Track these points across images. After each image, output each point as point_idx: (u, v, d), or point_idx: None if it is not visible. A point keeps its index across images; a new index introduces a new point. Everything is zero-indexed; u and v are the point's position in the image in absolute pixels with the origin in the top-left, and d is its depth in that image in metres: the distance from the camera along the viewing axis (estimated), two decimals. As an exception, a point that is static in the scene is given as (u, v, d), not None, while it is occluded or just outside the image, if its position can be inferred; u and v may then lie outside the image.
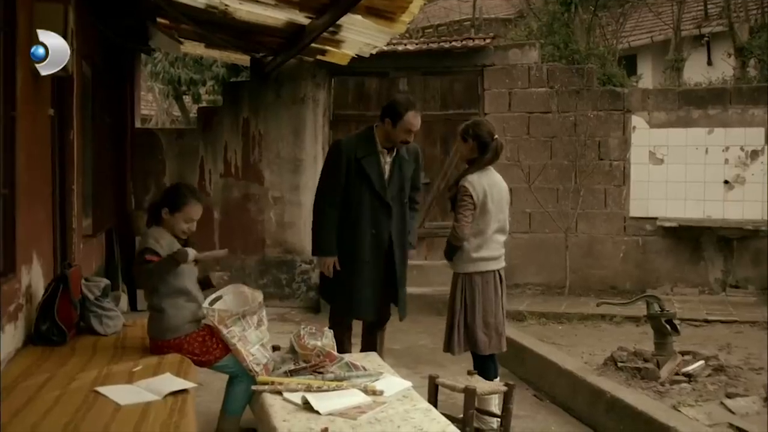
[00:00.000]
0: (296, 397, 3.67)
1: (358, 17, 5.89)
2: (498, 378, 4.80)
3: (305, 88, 8.82)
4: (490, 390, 4.53)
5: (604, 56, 9.74)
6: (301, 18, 6.17)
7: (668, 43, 13.03)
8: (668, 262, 8.52)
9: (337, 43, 7.26)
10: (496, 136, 4.76)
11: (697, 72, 11.76)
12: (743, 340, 6.45)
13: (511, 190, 5.04)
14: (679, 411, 4.41)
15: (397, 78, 8.93)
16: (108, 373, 3.71)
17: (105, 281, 4.93)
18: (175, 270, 4.05)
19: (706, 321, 7.09)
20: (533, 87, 8.73)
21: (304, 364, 4.11)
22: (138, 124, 9.60)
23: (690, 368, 5.00)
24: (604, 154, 8.63)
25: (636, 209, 8.59)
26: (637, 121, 8.57)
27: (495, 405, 4.65)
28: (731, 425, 4.23)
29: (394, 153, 5.08)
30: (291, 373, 4.04)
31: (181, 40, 8.93)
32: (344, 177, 5.00)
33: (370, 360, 4.49)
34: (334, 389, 3.78)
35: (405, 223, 5.14)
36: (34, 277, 4.65)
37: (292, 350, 4.32)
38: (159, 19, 7.83)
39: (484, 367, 4.75)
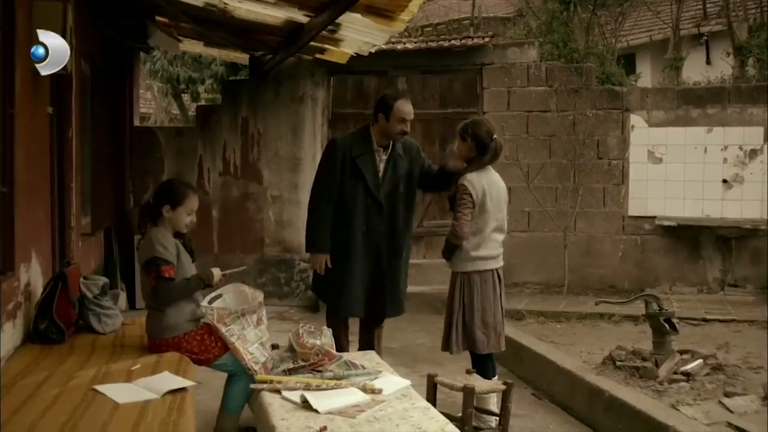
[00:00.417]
0: (295, 396, 3.67)
1: (357, 16, 5.89)
2: (496, 377, 4.80)
3: (304, 87, 8.82)
4: (489, 389, 4.54)
5: (603, 55, 9.74)
6: (300, 16, 6.17)
7: (667, 42, 13.03)
8: (667, 261, 8.52)
9: (336, 42, 7.26)
10: (495, 136, 4.76)
11: (695, 71, 11.76)
12: (742, 339, 6.46)
13: (509, 189, 5.04)
14: (678, 410, 4.41)
15: (396, 77, 8.92)
16: (107, 371, 3.71)
17: (104, 279, 4.93)
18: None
19: (705, 320, 7.10)
20: (532, 86, 8.73)
21: (302, 363, 4.11)
22: (137, 123, 9.59)
23: (688, 367, 5.00)
24: (602, 153, 8.64)
25: (635, 208, 8.59)
26: (635, 120, 8.57)
27: (493, 404, 4.65)
28: (729, 424, 4.24)
29: (389, 151, 5.09)
30: (290, 372, 4.04)
31: (180, 38, 8.92)
32: (339, 175, 5.02)
33: (369, 359, 4.49)
34: (332, 388, 3.78)
35: (398, 221, 5.12)
36: (33, 275, 4.65)
37: (290, 349, 4.32)
38: (158, 18, 7.83)
39: (483, 366, 4.75)
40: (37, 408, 3.17)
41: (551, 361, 5.59)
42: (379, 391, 3.77)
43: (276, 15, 6.25)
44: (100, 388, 3.41)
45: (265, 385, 3.87)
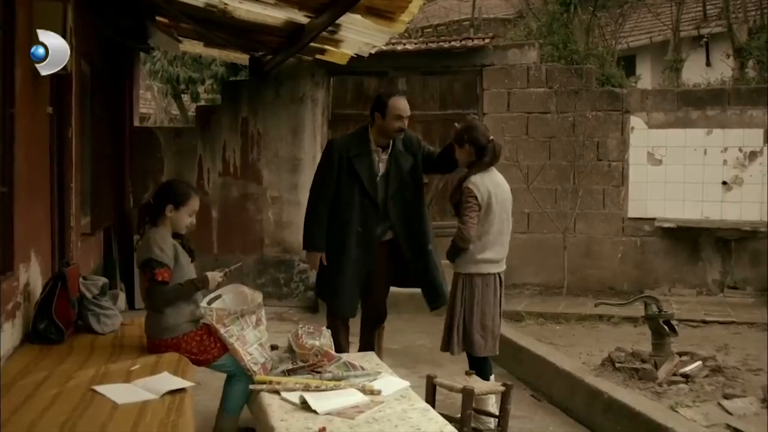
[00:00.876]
0: (294, 397, 3.67)
1: (358, 17, 5.89)
2: (493, 377, 4.80)
3: (304, 88, 8.82)
4: (488, 390, 4.54)
5: (603, 57, 9.74)
6: (301, 17, 6.17)
7: (667, 43, 13.04)
8: (666, 263, 8.52)
9: (337, 43, 7.26)
10: (492, 137, 4.76)
11: (695, 73, 11.77)
12: (741, 341, 6.46)
13: (510, 190, 5.03)
14: (677, 412, 4.42)
15: (396, 77, 8.91)
16: (106, 371, 3.71)
17: (103, 280, 4.93)
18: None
19: (704, 322, 7.09)
20: (532, 87, 8.73)
21: (302, 364, 4.11)
22: (137, 123, 9.59)
23: (687, 369, 5.00)
24: (602, 155, 8.63)
25: (634, 210, 8.59)
26: (635, 121, 8.57)
27: (493, 405, 4.65)
28: (728, 426, 4.24)
29: (390, 150, 5.09)
30: (289, 373, 4.04)
31: (180, 38, 8.92)
32: (336, 175, 5.07)
33: (368, 360, 4.50)
34: (332, 389, 3.78)
35: (411, 220, 5.12)
36: (32, 275, 4.65)
37: (290, 350, 4.32)
38: (158, 18, 7.81)
39: (480, 367, 4.74)
40: (36, 408, 3.17)
41: (550, 363, 5.58)
42: (378, 392, 3.78)
43: (276, 16, 6.25)
44: (99, 388, 3.41)
45: (264, 386, 3.87)
